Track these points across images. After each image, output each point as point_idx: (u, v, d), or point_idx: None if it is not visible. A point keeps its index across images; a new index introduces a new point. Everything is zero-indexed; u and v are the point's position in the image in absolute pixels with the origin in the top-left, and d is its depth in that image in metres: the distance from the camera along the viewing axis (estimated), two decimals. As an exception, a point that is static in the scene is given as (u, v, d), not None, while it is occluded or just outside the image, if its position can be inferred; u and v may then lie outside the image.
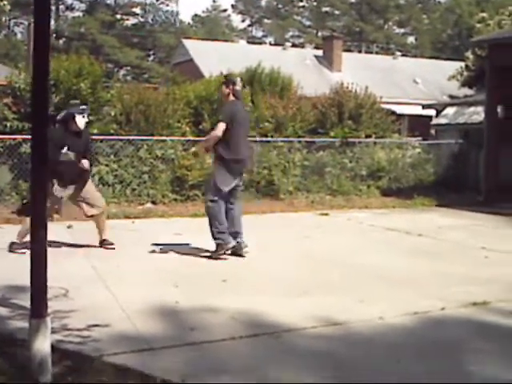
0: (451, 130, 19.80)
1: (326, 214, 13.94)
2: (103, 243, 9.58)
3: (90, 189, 9.59)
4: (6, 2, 11.53)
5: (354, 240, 10.84)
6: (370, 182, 17.10)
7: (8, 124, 13.87)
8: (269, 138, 16.41)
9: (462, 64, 30.43)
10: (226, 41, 54.42)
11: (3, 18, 13.70)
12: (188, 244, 9.91)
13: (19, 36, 56.27)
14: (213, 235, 8.96)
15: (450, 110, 20.76)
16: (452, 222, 13.22)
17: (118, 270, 8.13)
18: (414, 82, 39.56)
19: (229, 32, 78.75)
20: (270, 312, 6.23)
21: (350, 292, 7.15)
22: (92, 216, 9.53)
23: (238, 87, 9.21)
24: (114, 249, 9.48)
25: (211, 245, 9.07)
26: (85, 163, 9.21)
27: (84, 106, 9.60)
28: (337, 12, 76.80)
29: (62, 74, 14.20)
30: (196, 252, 9.38)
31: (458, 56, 41.02)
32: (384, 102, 20.28)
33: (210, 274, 7.95)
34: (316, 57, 40.16)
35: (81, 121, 9.17)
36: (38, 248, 5.50)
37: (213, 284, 7.43)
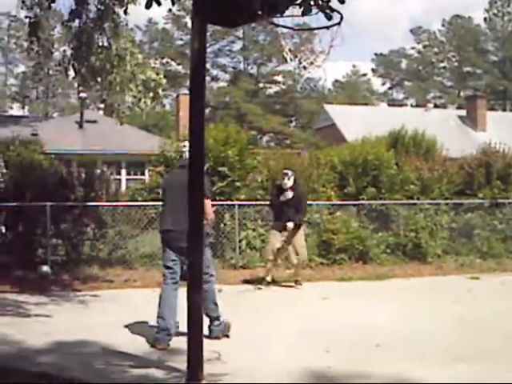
0: None
1: (477, 278, 13.48)
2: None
3: None
4: (161, 76, 12.11)
5: (509, 305, 10.40)
6: (522, 244, 16.44)
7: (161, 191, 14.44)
8: (415, 201, 16.20)
9: None
10: (366, 104, 54.57)
11: (160, 91, 14.26)
12: (337, 307, 9.88)
13: (167, 107, 58.82)
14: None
15: None
16: None
17: (268, 334, 8.16)
18: None
19: (369, 95, 78.92)
20: (425, 380, 6.07)
21: (507, 359, 6.85)
22: None
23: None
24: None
25: (360, 308, 8.99)
26: None
27: None
28: (478, 71, 75.42)
29: (211, 143, 14.65)
30: (345, 316, 9.31)
31: None
32: (533, 161, 19.58)
33: (362, 338, 7.84)
34: (459, 117, 39.52)
35: None
36: (194, 313, 5.67)
37: (365, 349, 7.32)
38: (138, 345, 7.35)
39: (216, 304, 7.88)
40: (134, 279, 12.57)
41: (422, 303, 10.50)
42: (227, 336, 7.87)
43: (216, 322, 7.82)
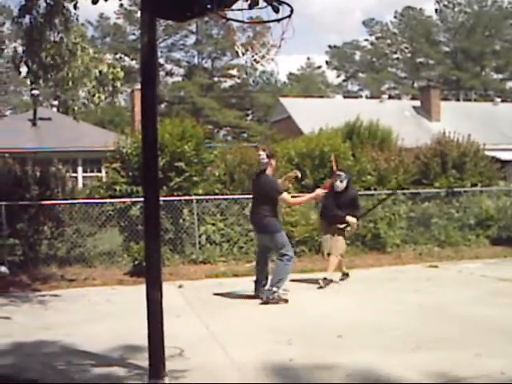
0: (560, 174, 19.17)
1: (436, 267, 13.64)
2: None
3: None
4: (118, 69, 11.97)
5: (467, 292, 10.53)
6: (478, 232, 16.63)
7: (117, 188, 14.32)
8: (372, 192, 16.30)
9: None
10: (321, 97, 54.77)
11: (118, 85, 14.08)
12: (298, 300, 9.90)
13: (122, 103, 58.34)
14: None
15: (557, 155, 20.15)
16: None
17: (231, 328, 8.16)
18: (517, 128, 38.58)
19: (324, 88, 79.20)
20: (386, 368, 6.10)
21: (466, 346, 6.94)
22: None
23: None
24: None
25: (321, 300, 9.02)
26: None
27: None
28: (431, 62, 76.28)
29: (166, 138, 14.54)
30: (307, 308, 9.37)
31: (561, 99, 39.86)
32: (487, 149, 19.85)
33: (323, 330, 7.87)
34: (414, 107, 39.88)
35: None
36: (154, 309, 5.63)
37: (327, 340, 7.35)
38: (99, 343, 7.26)
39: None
40: (94, 277, 12.47)
41: (382, 293, 10.59)
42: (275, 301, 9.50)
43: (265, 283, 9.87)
